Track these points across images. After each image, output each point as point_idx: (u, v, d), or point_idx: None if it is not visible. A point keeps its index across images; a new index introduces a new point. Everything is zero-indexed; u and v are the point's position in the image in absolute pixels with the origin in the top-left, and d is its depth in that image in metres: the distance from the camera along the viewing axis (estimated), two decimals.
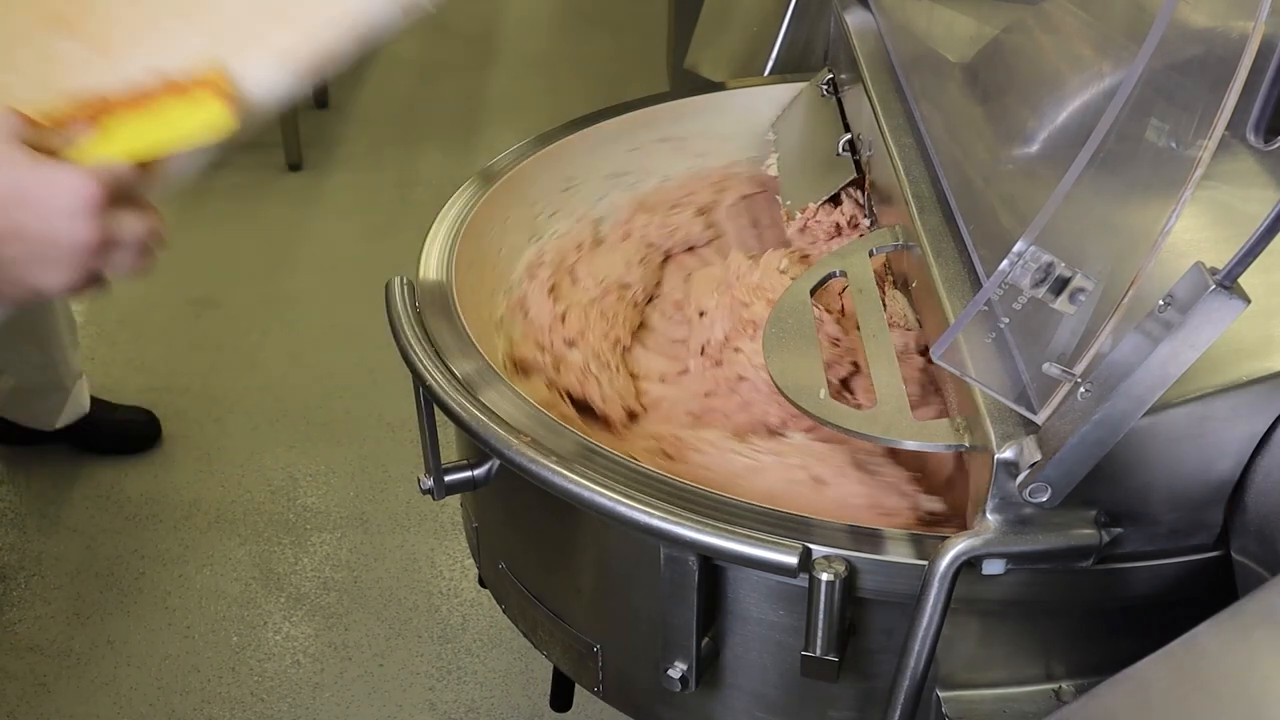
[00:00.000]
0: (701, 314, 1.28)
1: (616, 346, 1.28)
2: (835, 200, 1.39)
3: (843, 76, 1.47)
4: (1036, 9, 1.15)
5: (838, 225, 1.37)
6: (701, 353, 1.24)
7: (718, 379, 1.20)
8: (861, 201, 1.38)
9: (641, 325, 1.35)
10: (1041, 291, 0.78)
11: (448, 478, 1.10)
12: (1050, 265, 0.77)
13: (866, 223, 1.37)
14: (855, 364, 1.17)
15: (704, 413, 1.19)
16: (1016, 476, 0.82)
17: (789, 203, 1.43)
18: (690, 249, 1.46)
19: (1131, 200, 0.83)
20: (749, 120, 1.54)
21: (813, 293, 1.13)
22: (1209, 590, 0.87)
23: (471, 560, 1.45)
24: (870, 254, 1.17)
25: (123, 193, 0.84)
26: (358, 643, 2.12)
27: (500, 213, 1.33)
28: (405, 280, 1.16)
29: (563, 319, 1.28)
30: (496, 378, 1.08)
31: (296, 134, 3.62)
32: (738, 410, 1.17)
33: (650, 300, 1.39)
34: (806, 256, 1.35)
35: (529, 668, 2.05)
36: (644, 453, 1.12)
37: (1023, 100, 1.07)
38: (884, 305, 1.11)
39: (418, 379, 1.07)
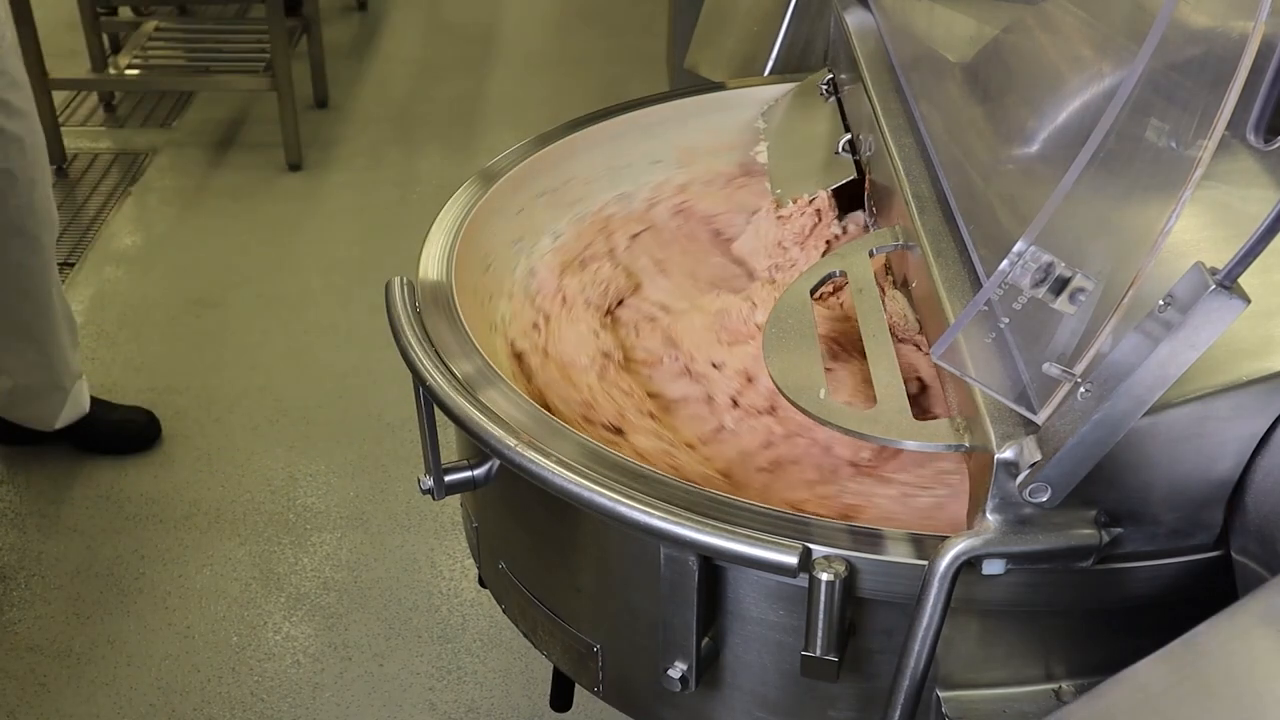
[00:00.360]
0: (716, 366, 1.20)
1: (654, 420, 1.19)
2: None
3: (843, 76, 1.47)
4: (1036, 9, 1.15)
5: (819, 213, 1.37)
6: (735, 406, 1.18)
7: (770, 428, 1.15)
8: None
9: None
10: (1041, 291, 0.78)
11: (448, 478, 1.10)
12: (1050, 265, 0.77)
13: (838, 225, 1.37)
14: (920, 379, 1.14)
15: (773, 465, 1.13)
16: (1016, 476, 0.82)
17: (779, 191, 1.43)
18: (620, 302, 1.39)
19: (1131, 200, 0.83)
20: (606, 160, 1.49)
21: (813, 293, 1.13)
22: (1209, 590, 0.87)
23: (471, 560, 1.44)
24: (870, 254, 1.17)
25: None
26: (358, 643, 2.12)
27: (469, 283, 1.26)
28: (405, 280, 1.15)
29: (591, 405, 1.20)
30: (497, 377, 1.08)
31: (296, 134, 3.62)
32: (805, 454, 1.12)
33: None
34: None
35: (529, 668, 2.05)
36: None
37: (1023, 100, 1.06)
38: (884, 305, 1.11)
39: (418, 379, 1.07)
